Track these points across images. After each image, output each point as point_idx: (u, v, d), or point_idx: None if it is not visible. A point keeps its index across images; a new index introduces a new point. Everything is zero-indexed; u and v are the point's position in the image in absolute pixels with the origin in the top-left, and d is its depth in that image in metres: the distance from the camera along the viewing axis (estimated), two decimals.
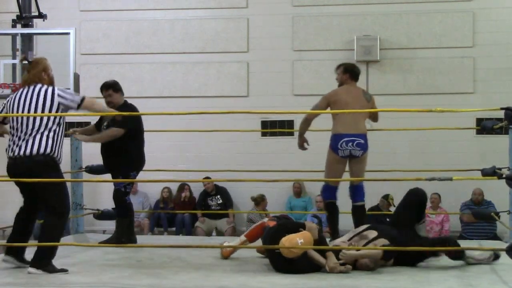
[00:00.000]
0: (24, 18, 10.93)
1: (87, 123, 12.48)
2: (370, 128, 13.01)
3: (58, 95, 6.15)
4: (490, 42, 13.32)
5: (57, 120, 6.14)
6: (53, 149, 6.13)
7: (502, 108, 6.22)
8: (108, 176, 8.93)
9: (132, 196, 13.72)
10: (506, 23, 13.35)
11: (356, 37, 13.38)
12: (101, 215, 8.93)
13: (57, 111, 6.12)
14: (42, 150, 6.07)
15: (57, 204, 6.16)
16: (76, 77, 10.28)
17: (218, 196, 13.46)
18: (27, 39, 10.69)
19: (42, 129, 6.08)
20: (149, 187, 13.93)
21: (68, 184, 8.54)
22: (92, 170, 8.76)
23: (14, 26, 11.00)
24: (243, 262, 6.79)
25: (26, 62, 6.48)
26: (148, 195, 13.93)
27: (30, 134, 6.07)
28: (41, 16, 11.02)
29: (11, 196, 12.78)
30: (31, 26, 11.01)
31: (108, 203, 11.23)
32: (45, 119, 6.07)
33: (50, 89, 6.18)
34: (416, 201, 6.87)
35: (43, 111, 6.08)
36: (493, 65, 13.29)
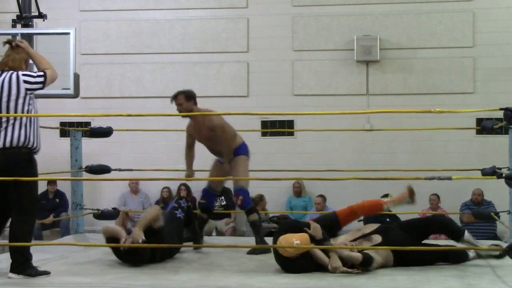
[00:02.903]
0: (24, 18, 10.91)
1: (87, 123, 12.50)
2: (370, 128, 13.09)
3: (24, 81, 5.88)
4: (490, 42, 13.32)
5: (26, 108, 5.89)
6: (27, 139, 5.86)
7: (501, 109, 6.21)
8: (107, 176, 8.94)
9: (133, 196, 13.82)
10: (506, 23, 13.35)
11: (356, 37, 13.38)
12: (101, 215, 8.93)
13: (25, 98, 5.88)
14: (15, 142, 5.83)
15: (29, 204, 5.92)
16: (76, 77, 10.24)
17: (223, 197, 13.44)
18: (27, 39, 10.63)
19: (12, 120, 5.84)
20: (149, 187, 13.93)
21: (68, 184, 8.56)
22: (92, 170, 8.75)
23: (14, 26, 10.98)
24: (243, 262, 6.79)
25: (10, 45, 6.17)
26: (148, 195, 13.93)
27: (1, 126, 5.86)
28: (41, 16, 11.00)
29: None
30: (31, 26, 10.99)
31: (107, 203, 11.27)
32: (12, 110, 5.84)
33: (14, 75, 5.91)
34: (431, 229, 6.79)
35: (10, 101, 5.84)
36: (493, 65, 13.29)
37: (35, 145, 5.96)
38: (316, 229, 6.24)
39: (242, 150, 7.82)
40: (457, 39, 13.41)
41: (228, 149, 7.70)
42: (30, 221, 5.97)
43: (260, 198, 12.97)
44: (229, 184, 13.41)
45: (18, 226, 5.88)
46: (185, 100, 7.61)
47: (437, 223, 6.85)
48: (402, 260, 6.36)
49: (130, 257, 6.52)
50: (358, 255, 6.11)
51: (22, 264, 5.83)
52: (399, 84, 13.51)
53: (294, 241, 6.04)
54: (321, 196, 12.85)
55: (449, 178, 6.19)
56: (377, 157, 13.25)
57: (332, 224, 6.55)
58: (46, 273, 5.94)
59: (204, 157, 13.40)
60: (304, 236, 6.11)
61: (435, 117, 12.42)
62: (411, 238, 6.45)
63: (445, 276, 5.99)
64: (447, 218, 7.01)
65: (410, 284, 5.71)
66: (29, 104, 5.93)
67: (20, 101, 5.89)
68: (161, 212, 6.92)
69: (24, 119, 5.88)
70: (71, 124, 12.55)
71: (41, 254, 6.70)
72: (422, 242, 6.73)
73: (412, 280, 5.83)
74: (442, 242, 8.50)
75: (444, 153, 13.14)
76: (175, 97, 7.67)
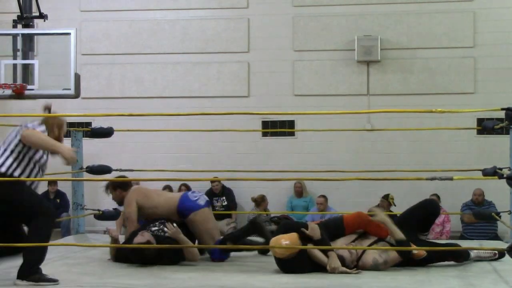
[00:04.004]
0: (25, 18, 10.91)
1: (88, 123, 12.48)
2: (371, 128, 13.08)
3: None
4: (491, 42, 13.31)
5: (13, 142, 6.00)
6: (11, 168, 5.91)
7: (502, 109, 6.20)
8: (108, 177, 8.92)
9: None
10: (507, 23, 13.33)
11: (357, 37, 13.37)
12: (102, 216, 8.92)
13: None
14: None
15: (37, 208, 5.85)
16: (77, 78, 10.25)
17: (224, 198, 13.45)
18: (28, 40, 10.67)
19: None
20: (150, 187, 13.90)
21: (69, 184, 8.56)
22: (93, 170, 8.74)
23: (15, 26, 10.99)
24: (243, 262, 6.78)
25: (48, 111, 6.30)
26: None
27: None
28: (42, 16, 11.01)
29: None
30: (32, 26, 10.99)
31: (108, 204, 11.24)
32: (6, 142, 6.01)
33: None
34: (427, 214, 6.76)
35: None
36: (493, 65, 13.28)
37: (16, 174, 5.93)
38: (314, 230, 6.23)
39: (185, 209, 7.10)
40: (458, 39, 13.40)
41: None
42: (45, 222, 5.84)
43: (262, 198, 12.97)
44: (230, 184, 13.47)
45: (33, 229, 5.85)
46: (112, 190, 7.38)
47: (433, 208, 6.86)
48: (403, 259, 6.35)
49: (135, 255, 6.53)
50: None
51: (29, 269, 5.71)
52: (399, 84, 13.51)
53: (283, 242, 6.05)
54: (323, 196, 12.84)
55: (450, 179, 6.18)
56: (378, 157, 13.24)
57: (336, 228, 6.51)
58: (53, 280, 5.74)
59: (204, 158, 13.43)
60: (293, 236, 6.11)
61: (436, 117, 12.42)
62: (412, 234, 6.45)
63: (446, 276, 5.98)
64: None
65: (412, 284, 5.70)
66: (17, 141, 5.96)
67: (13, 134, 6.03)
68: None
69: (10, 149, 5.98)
70: (72, 124, 12.53)
71: None
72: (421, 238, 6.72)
73: (414, 280, 5.82)
74: (443, 241, 8.51)
75: (445, 153, 13.12)
76: (107, 189, 7.45)
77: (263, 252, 7.06)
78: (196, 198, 7.14)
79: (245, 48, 13.94)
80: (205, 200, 7.21)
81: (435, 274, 6.07)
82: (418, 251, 6.26)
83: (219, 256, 6.89)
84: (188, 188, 13.47)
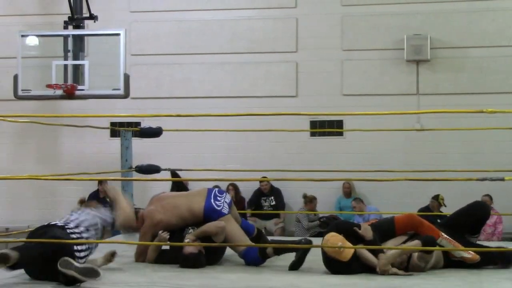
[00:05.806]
0: (75, 19, 11.08)
1: (137, 123, 12.56)
2: (421, 128, 12.94)
3: None
4: None
5: None
6: None
7: None
8: (157, 176, 8.97)
9: None
10: None
11: (406, 36, 13.25)
12: None
13: None
14: None
15: None
16: (126, 78, 10.37)
17: (272, 198, 13.46)
18: (79, 40, 10.84)
19: None
20: (198, 187, 13.96)
21: (118, 183, 8.65)
22: (142, 169, 8.79)
23: (65, 27, 11.16)
24: (290, 262, 6.74)
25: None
26: None
27: None
28: (92, 17, 11.16)
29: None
30: (82, 27, 11.16)
31: None
32: None
33: None
34: (478, 216, 6.65)
35: None
36: None
37: None
38: (367, 230, 6.18)
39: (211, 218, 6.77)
40: (509, 38, 13.21)
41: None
42: None
43: (310, 200, 12.94)
44: (278, 184, 13.46)
45: None
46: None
47: (483, 210, 6.75)
48: (452, 261, 6.27)
49: (185, 264, 6.52)
50: (416, 242, 6.05)
51: None
52: (450, 83, 13.35)
53: (339, 244, 5.96)
54: (357, 198, 12.94)
55: (502, 179, 6.06)
56: (428, 157, 13.11)
57: (387, 229, 6.44)
58: None
59: (252, 158, 13.43)
60: (348, 244, 6.02)
61: (486, 117, 12.21)
62: (460, 237, 6.36)
63: (498, 278, 5.89)
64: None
65: (463, 286, 5.62)
66: None
67: None
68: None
69: None
70: (122, 124, 12.66)
71: None
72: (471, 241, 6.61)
73: (464, 282, 5.74)
74: (494, 244, 8.37)
75: (496, 153, 12.93)
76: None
77: (294, 267, 6.48)
78: (220, 207, 6.84)
79: (293, 48, 13.93)
80: (228, 208, 6.88)
81: (486, 276, 5.98)
82: (472, 255, 6.16)
83: (254, 260, 6.64)
84: (235, 188, 13.47)
